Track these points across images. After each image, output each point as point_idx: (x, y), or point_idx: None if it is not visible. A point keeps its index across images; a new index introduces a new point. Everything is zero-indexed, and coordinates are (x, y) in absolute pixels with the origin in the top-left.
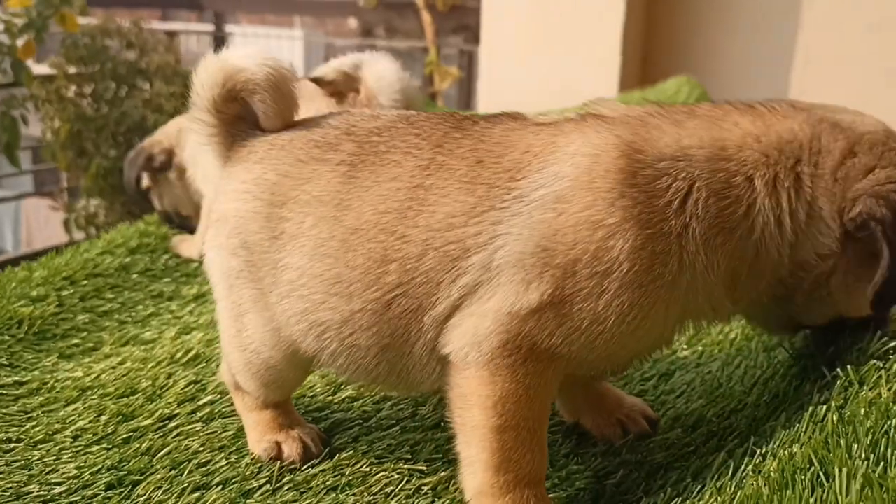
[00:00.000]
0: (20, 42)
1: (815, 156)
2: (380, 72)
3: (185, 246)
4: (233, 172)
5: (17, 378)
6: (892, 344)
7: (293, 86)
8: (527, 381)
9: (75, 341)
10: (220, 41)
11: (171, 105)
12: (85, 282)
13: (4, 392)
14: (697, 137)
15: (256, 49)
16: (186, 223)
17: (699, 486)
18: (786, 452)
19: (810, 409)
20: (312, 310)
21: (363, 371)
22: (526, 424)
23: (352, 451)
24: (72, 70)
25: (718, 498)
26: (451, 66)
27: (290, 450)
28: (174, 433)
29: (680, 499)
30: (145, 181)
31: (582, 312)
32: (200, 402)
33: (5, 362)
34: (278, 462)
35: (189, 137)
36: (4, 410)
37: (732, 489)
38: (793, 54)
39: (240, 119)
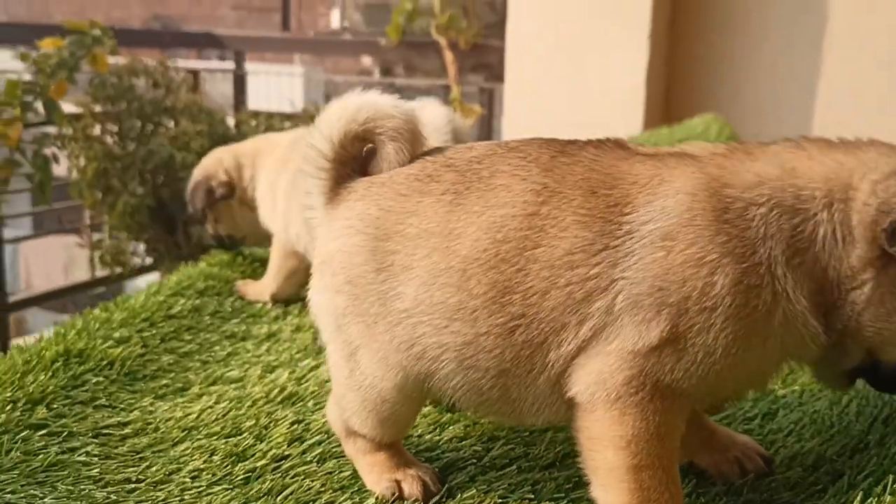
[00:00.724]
0: (52, 81)
1: (863, 175)
2: (430, 117)
3: (251, 289)
4: (334, 213)
5: (119, 419)
6: None
7: (422, 141)
8: (656, 419)
9: (164, 381)
10: (240, 79)
11: (197, 143)
12: (162, 323)
13: (111, 433)
14: (772, 164)
15: (392, 98)
16: (238, 244)
17: None
18: None
19: None
20: (431, 334)
21: (475, 392)
22: (661, 462)
23: (473, 491)
24: (97, 108)
25: None
26: (472, 104)
27: (411, 488)
28: (291, 474)
29: None
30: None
31: (696, 347)
32: (309, 442)
33: (105, 403)
34: (400, 502)
35: (264, 174)
36: (115, 451)
37: None
38: (813, 95)
39: (353, 160)
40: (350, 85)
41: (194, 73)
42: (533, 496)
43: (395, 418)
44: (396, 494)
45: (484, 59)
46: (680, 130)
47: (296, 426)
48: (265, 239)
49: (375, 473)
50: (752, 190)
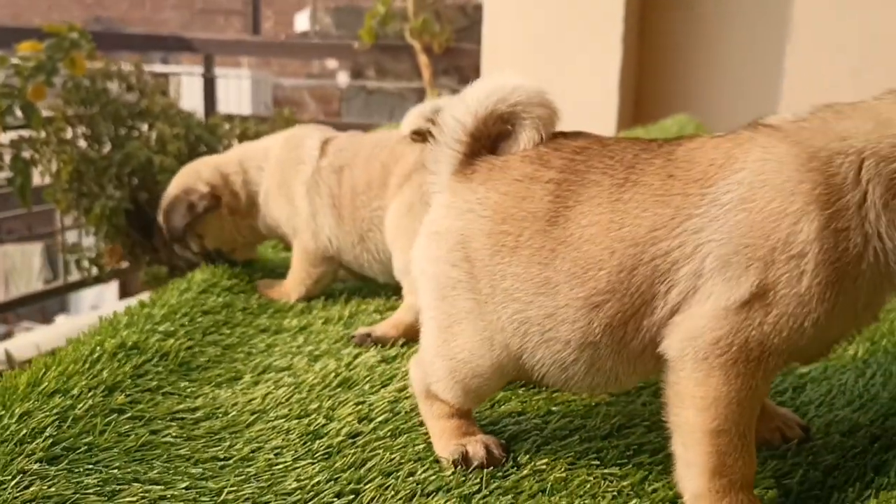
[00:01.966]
0: (30, 85)
1: None
2: None
3: (275, 291)
4: (458, 190)
5: (188, 405)
6: None
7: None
8: (738, 383)
9: (217, 371)
10: (209, 83)
11: (174, 146)
12: (200, 319)
13: (185, 417)
14: (865, 118)
15: (542, 85)
16: (228, 257)
17: (885, 481)
18: None
19: None
20: (521, 309)
21: (558, 368)
22: (738, 429)
23: (545, 459)
24: (70, 112)
25: None
26: None
27: (475, 451)
28: (369, 448)
29: (873, 490)
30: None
31: (787, 298)
32: (378, 420)
33: (171, 391)
34: (465, 465)
35: (268, 177)
36: (194, 433)
37: None
38: (777, 98)
39: (488, 138)
40: (297, 89)
41: (165, 77)
42: (598, 462)
43: (480, 391)
44: (462, 458)
45: (456, 62)
46: (654, 130)
47: (361, 406)
48: (254, 248)
49: (445, 439)
50: (840, 143)
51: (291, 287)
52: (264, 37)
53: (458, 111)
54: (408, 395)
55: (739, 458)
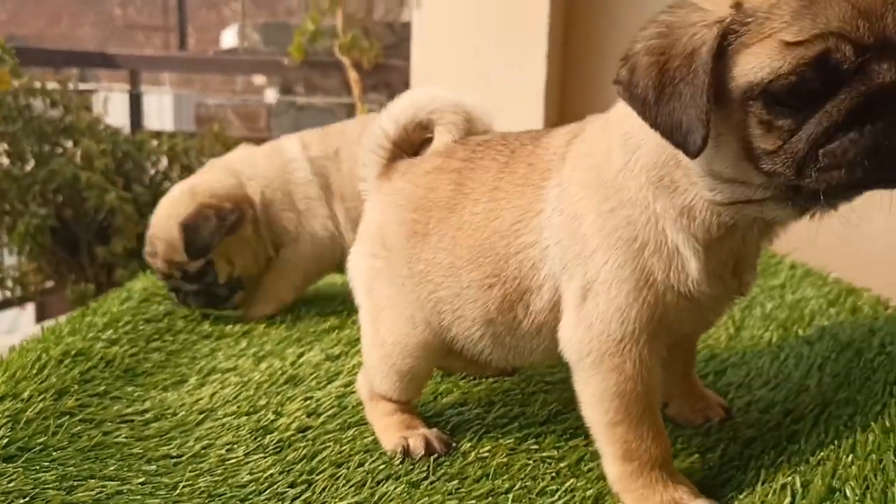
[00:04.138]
0: None
1: None
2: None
3: (260, 306)
4: (380, 188)
5: (137, 407)
6: None
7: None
8: (614, 377)
9: (163, 376)
10: (135, 99)
11: (101, 163)
12: (143, 326)
13: (135, 419)
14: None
15: (460, 94)
16: (242, 285)
17: (796, 448)
18: (875, 409)
19: (881, 376)
20: (434, 290)
21: (471, 342)
22: (632, 417)
23: (488, 446)
24: None
25: (831, 448)
26: None
27: (415, 444)
28: (319, 441)
29: (786, 456)
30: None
31: (609, 289)
32: (326, 414)
33: (119, 395)
34: (408, 458)
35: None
36: (145, 433)
37: (837, 443)
38: None
39: (410, 145)
40: (221, 106)
41: (90, 94)
42: (537, 447)
43: (413, 373)
44: (403, 450)
45: (385, 78)
46: None
47: (309, 402)
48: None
49: (389, 433)
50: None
51: (284, 293)
52: (191, 53)
53: (383, 121)
54: (354, 390)
55: (643, 442)
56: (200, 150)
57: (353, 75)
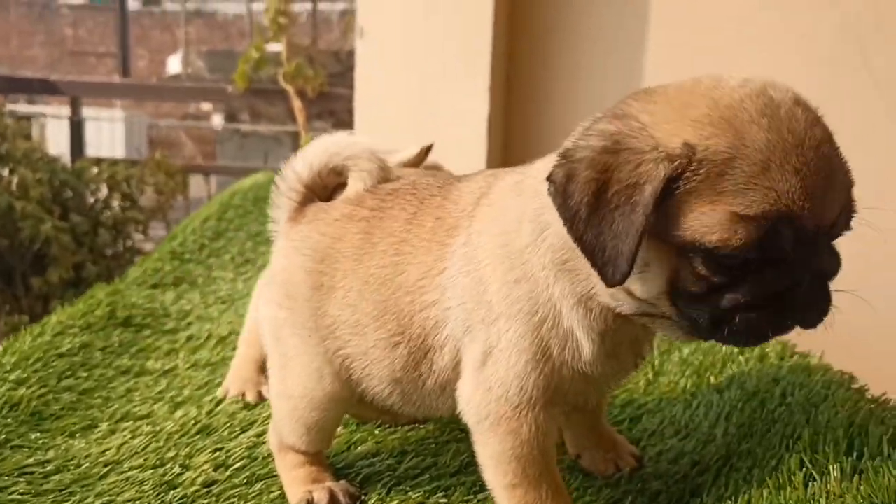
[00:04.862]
0: None
1: None
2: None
3: None
4: (288, 233)
5: (38, 458)
6: (835, 377)
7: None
8: (511, 440)
9: (72, 420)
10: (77, 125)
11: (37, 192)
12: (55, 363)
13: (34, 471)
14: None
15: (376, 143)
16: None
17: (698, 500)
18: (772, 462)
19: (780, 429)
20: (342, 347)
21: (380, 398)
22: (530, 479)
23: (397, 500)
24: None
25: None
26: None
27: (320, 497)
28: (224, 497)
29: None
30: None
31: (509, 356)
32: (234, 468)
33: (20, 444)
34: None
35: None
36: (43, 488)
37: (734, 499)
38: None
39: (323, 189)
40: (174, 129)
41: (28, 120)
42: (446, 500)
43: (321, 426)
44: (307, 500)
45: (330, 107)
46: None
47: (218, 454)
48: None
49: (295, 486)
50: (535, 210)
51: None
52: (135, 79)
53: (297, 164)
54: (265, 440)
55: (543, 503)
56: (141, 178)
57: (297, 103)
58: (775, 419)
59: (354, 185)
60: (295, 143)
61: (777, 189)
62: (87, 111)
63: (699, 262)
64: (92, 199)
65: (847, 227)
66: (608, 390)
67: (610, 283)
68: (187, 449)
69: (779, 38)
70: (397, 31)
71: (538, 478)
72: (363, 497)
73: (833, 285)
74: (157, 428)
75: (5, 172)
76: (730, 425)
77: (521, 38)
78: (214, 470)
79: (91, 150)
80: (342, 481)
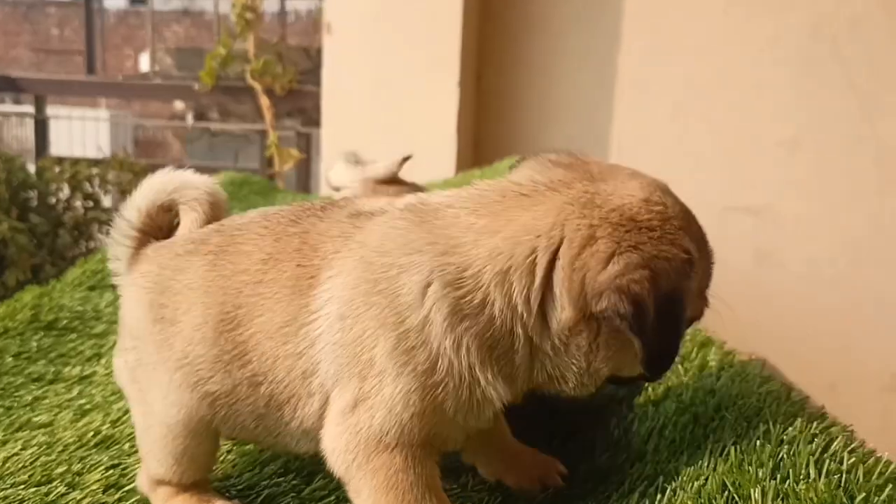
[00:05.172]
0: None
1: (552, 246)
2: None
3: None
4: (129, 277)
5: None
6: (773, 388)
7: (224, 211)
8: (385, 471)
9: None
10: (41, 124)
11: None
12: None
13: None
14: (435, 238)
15: (197, 175)
16: None
17: None
18: (695, 484)
19: (709, 446)
20: (203, 383)
21: (248, 433)
22: None
23: None
24: None
25: None
26: (290, 148)
27: None
28: None
29: None
30: None
31: (381, 403)
32: (126, 489)
33: None
34: None
35: None
36: None
37: None
38: (608, 141)
39: (159, 230)
40: (160, 129)
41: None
42: None
43: (189, 455)
44: None
45: (300, 104)
46: (489, 172)
47: (111, 471)
48: None
49: None
50: (409, 259)
51: None
52: (102, 76)
53: (127, 210)
54: None
55: None
56: (104, 177)
57: (264, 101)
58: (706, 434)
59: (187, 217)
60: (263, 142)
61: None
62: (65, 110)
63: None
64: (53, 200)
65: None
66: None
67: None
68: (80, 464)
69: (750, 38)
70: (365, 27)
71: (420, 501)
72: None
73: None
74: (54, 438)
75: None
76: (661, 441)
77: (492, 35)
78: (104, 491)
79: (77, 151)
80: (233, 502)
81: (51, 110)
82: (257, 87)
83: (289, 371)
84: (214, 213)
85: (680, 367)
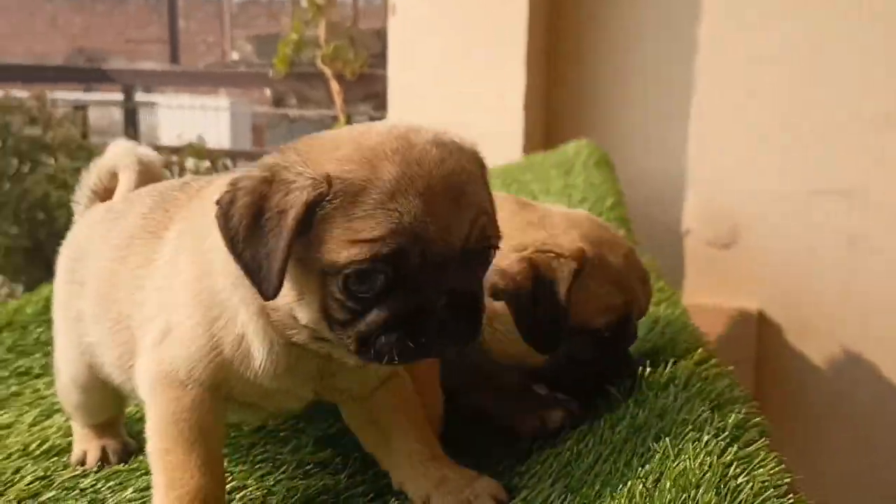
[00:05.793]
0: None
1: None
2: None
3: None
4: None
5: None
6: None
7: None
8: (174, 405)
9: None
10: (130, 113)
11: (74, 180)
12: None
13: None
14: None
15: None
16: None
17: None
18: None
19: (645, 475)
20: (86, 335)
21: (123, 385)
22: (182, 444)
23: None
24: None
25: None
26: None
27: (92, 456)
28: None
29: None
30: None
31: (181, 337)
32: (42, 499)
33: None
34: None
35: None
36: None
37: None
38: (686, 122)
39: (107, 192)
40: (268, 117)
41: (80, 108)
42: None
43: (85, 406)
44: (80, 460)
45: (373, 89)
46: (554, 155)
47: (36, 483)
48: None
49: (77, 444)
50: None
51: None
52: (182, 66)
53: (90, 170)
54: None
55: (187, 472)
56: (181, 164)
57: (334, 86)
58: (644, 463)
59: (123, 181)
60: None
61: (400, 210)
62: (190, 99)
63: (336, 287)
64: None
65: (483, 252)
66: (297, 406)
67: (266, 298)
68: (11, 474)
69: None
70: (430, 6)
71: (192, 444)
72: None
73: None
74: (2, 444)
75: (52, 162)
76: (605, 467)
77: (563, 9)
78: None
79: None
80: (124, 439)
81: (168, 99)
82: (328, 72)
83: (131, 310)
84: (145, 178)
85: (647, 379)
